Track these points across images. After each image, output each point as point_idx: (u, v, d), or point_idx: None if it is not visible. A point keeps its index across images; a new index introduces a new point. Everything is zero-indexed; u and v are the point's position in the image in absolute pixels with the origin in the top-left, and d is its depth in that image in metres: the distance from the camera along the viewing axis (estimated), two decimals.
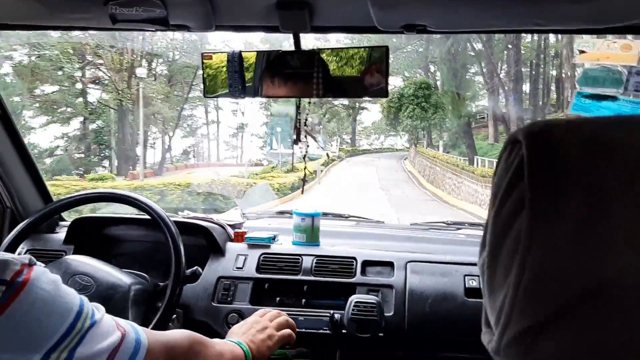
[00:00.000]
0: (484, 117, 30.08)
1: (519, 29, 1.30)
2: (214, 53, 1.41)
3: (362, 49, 1.31)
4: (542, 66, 28.90)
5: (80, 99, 25.45)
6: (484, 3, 1.15)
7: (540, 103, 28.53)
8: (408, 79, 31.77)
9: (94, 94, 26.34)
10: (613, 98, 1.41)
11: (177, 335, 0.99)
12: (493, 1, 1.14)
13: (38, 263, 0.78)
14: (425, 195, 20.95)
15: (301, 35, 1.36)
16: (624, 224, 0.41)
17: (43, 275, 0.76)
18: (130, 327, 0.86)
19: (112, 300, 1.38)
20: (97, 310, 0.81)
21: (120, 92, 25.25)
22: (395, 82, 31.14)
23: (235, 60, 1.38)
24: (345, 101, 38.56)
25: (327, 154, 28.76)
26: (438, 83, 31.41)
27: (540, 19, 1.23)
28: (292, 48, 1.38)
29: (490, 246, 0.48)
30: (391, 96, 28.69)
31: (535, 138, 0.45)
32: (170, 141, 32.18)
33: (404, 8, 1.17)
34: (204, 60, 1.41)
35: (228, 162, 36.84)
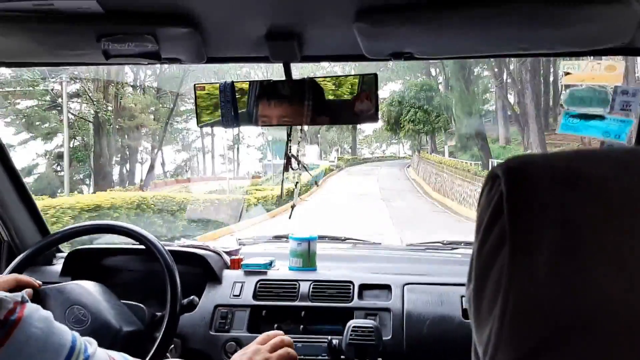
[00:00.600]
0: (489, 120, 28.59)
1: (504, 53, 1.33)
2: (206, 84, 1.43)
3: (352, 77, 1.33)
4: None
5: (55, 112, 23.86)
6: (468, 31, 1.17)
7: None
8: (409, 82, 30.43)
9: (73, 107, 24.49)
10: (600, 117, 1.43)
11: None
12: (477, 28, 1.16)
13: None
14: (433, 206, 18.44)
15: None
16: (599, 255, 0.43)
17: (35, 312, 0.77)
18: (122, 359, 0.87)
19: (103, 339, 1.37)
20: (90, 345, 0.82)
21: (95, 102, 23.54)
22: (395, 88, 30.52)
23: (228, 90, 1.40)
24: None
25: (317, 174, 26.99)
26: (441, 86, 29.89)
27: (525, 44, 1.25)
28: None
29: (476, 280, 0.49)
30: (391, 99, 28.32)
31: (514, 174, 0.47)
32: (157, 155, 30.71)
33: (390, 37, 1.20)
34: (197, 92, 1.43)
35: (225, 175, 35.73)
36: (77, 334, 0.81)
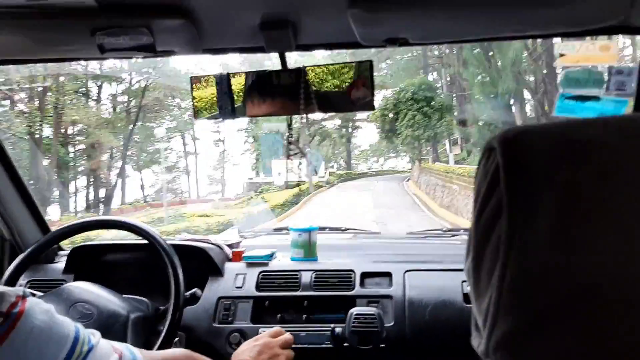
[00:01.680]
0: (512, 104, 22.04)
1: (499, 36, 1.33)
2: (202, 76, 1.43)
3: (348, 64, 1.33)
4: None
5: None
6: (462, 13, 1.18)
7: None
8: (405, 81, 25.49)
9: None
10: (596, 98, 1.43)
11: (175, 353, 1.01)
12: (471, 11, 1.16)
13: (36, 292, 0.80)
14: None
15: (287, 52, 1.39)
16: (599, 222, 0.43)
17: (37, 305, 0.78)
18: (126, 349, 0.89)
19: (112, 328, 1.38)
20: (93, 336, 0.83)
21: (26, 115, 19.88)
22: (388, 95, 26.36)
23: (224, 81, 1.41)
24: (338, 120, 36.34)
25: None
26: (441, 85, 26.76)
27: (519, 25, 1.26)
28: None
29: (474, 251, 0.50)
30: (385, 103, 24.92)
31: (509, 144, 0.47)
32: (119, 177, 28.11)
33: (384, 23, 1.20)
34: (193, 84, 1.43)
35: (211, 197, 34.12)
36: (80, 325, 0.82)
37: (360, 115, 33.17)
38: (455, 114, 25.12)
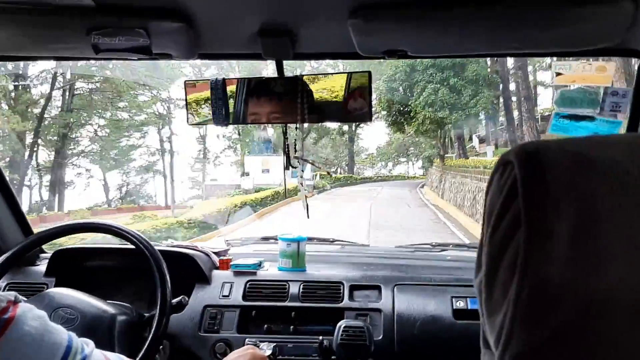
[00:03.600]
0: None
1: (497, 52, 1.34)
2: (196, 81, 1.41)
3: (345, 74, 1.32)
4: None
5: None
6: (461, 29, 1.18)
7: None
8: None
9: None
10: (590, 118, 1.44)
11: None
12: (471, 27, 1.16)
13: (23, 299, 0.77)
14: None
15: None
16: (616, 238, 0.43)
17: (30, 312, 0.75)
18: (117, 359, 0.86)
19: (98, 331, 1.35)
20: (87, 345, 0.80)
21: None
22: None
23: (219, 87, 1.39)
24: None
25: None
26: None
27: (517, 43, 1.26)
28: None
29: (487, 265, 0.49)
30: (393, 71, 17.87)
31: (527, 158, 0.46)
32: (51, 180, 23.82)
33: (384, 35, 1.19)
34: (187, 88, 1.42)
35: (190, 202, 30.14)
36: (73, 334, 0.79)
37: None
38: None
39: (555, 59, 1.44)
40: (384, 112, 20.63)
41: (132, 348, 1.39)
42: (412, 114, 18.30)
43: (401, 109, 19.09)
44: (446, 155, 21.69)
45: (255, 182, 27.09)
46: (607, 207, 0.43)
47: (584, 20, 1.10)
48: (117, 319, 1.40)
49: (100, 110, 26.78)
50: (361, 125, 31.85)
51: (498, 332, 0.47)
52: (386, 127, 25.04)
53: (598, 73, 1.39)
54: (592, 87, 1.41)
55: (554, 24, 1.13)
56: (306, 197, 1.80)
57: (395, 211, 14.25)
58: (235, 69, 25.60)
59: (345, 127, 32.68)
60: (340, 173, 33.51)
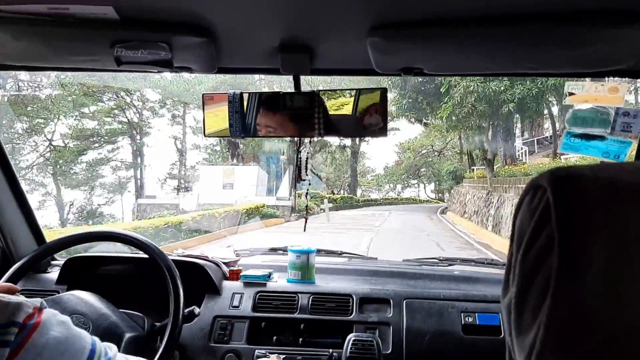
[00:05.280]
0: None
1: (512, 72, 1.35)
2: (214, 94, 1.43)
3: (361, 90, 1.34)
4: None
5: None
6: (478, 49, 1.20)
7: None
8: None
9: None
10: (601, 138, 1.46)
11: None
12: (487, 47, 1.18)
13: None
14: None
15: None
16: None
17: (54, 317, 0.77)
18: None
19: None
20: (110, 349, 0.82)
21: None
22: None
23: (236, 100, 1.41)
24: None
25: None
26: None
27: (533, 63, 1.28)
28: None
29: (518, 287, 0.50)
30: None
31: (560, 183, 0.47)
32: None
33: (402, 53, 1.21)
34: (205, 101, 1.43)
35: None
36: (96, 339, 0.81)
37: None
38: None
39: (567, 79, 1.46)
40: (406, 102, 16.55)
41: None
42: (440, 102, 13.65)
43: (425, 100, 15.09)
44: (476, 168, 16.67)
45: (211, 200, 19.58)
46: (638, 237, 0.44)
47: (600, 42, 1.12)
48: (124, 337, 1.39)
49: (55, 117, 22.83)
50: (366, 139, 25.56)
51: (528, 353, 0.48)
52: (409, 121, 21.25)
53: (610, 94, 1.40)
54: (603, 107, 1.43)
55: (571, 45, 1.15)
56: (307, 211, 1.82)
57: (413, 252, 6.93)
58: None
59: (348, 141, 27.25)
60: (343, 194, 27.96)
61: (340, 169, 28.75)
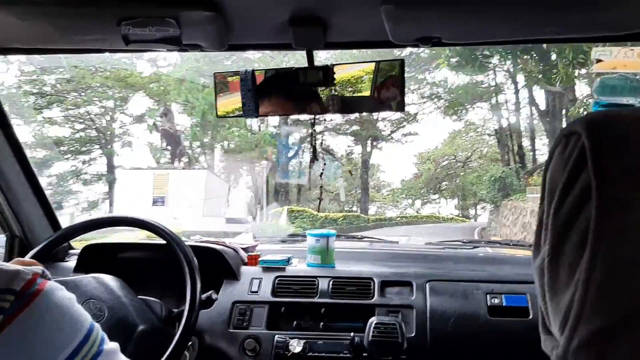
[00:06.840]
0: None
1: (534, 38, 1.29)
2: (225, 72, 1.40)
3: (378, 63, 1.29)
4: None
5: None
6: (498, 14, 1.14)
7: None
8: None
9: None
10: (631, 107, 1.39)
11: None
12: (507, 11, 1.12)
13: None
14: None
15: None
16: None
17: (58, 290, 0.72)
18: None
19: (116, 335, 1.33)
20: (107, 344, 0.76)
21: None
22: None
23: (248, 78, 1.37)
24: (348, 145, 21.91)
25: None
26: None
27: (555, 27, 1.21)
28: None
29: (551, 244, 0.45)
30: None
31: (597, 127, 0.43)
32: None
33: (418, 21, 1.16)
34: (217, 80, 1.40)
35: None
36: (98, 325, 0.76)
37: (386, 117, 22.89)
38: None
39: (594, 44, 1.39)
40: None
41: (157, 349, 1.35)
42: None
43: None
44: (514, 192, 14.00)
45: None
46: None
47: (626, 2, 1.05)
48: (137, 329, 1.36)
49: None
50: (379, 145, 23.84)
51: (564, 315, 0.43)
52: (453, 72, 17.52)
53: None
54: (633, 75, 1.36)
55: (594, 6, 1.08)
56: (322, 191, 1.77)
57: None
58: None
59: (358, 148, 23.49)
60: (354, 210, 23.68)
61: (352, 182, 23.82)
